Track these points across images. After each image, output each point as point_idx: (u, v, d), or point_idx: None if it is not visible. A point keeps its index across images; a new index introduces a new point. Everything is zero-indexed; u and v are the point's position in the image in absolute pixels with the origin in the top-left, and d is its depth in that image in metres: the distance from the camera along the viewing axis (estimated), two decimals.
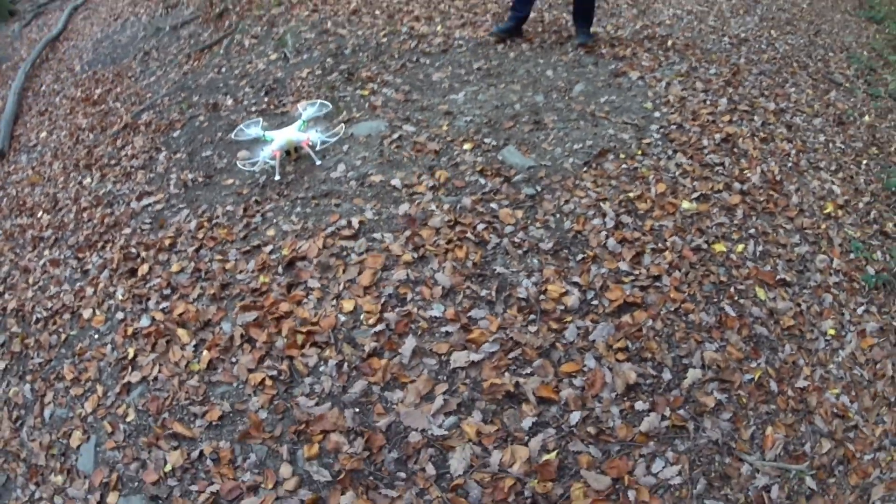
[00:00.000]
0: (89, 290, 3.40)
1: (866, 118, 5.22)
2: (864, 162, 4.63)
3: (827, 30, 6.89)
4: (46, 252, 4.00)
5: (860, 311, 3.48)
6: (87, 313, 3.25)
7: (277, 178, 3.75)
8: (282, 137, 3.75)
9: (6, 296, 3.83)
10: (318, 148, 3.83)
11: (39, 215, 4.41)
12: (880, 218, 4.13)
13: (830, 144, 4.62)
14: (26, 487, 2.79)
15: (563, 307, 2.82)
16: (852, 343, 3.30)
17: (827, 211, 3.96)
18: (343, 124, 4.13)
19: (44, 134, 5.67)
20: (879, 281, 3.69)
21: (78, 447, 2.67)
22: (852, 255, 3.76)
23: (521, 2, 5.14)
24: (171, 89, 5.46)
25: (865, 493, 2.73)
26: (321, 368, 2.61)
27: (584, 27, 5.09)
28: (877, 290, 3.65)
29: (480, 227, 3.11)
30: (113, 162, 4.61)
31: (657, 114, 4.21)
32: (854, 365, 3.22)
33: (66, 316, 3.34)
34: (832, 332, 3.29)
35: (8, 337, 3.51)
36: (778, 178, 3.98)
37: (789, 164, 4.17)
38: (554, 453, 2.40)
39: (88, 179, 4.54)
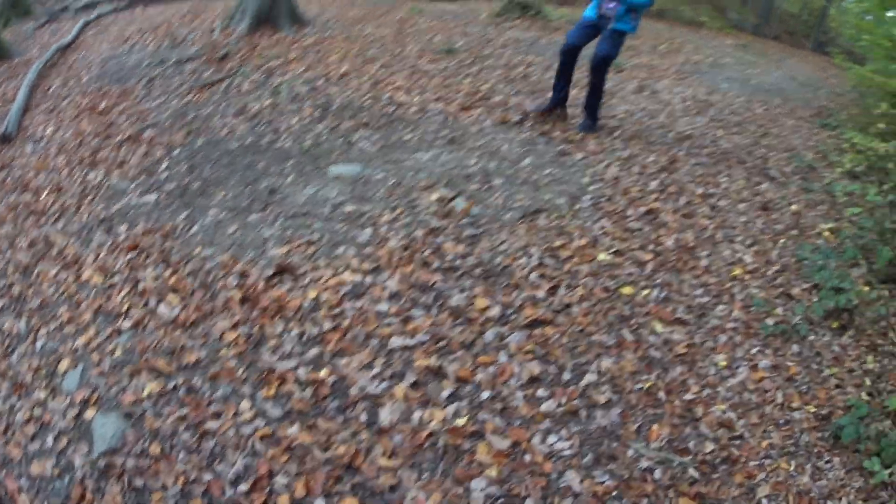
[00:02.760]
0: (90, 258, 4.46)
1: (793, 207, 6.36)
2: (783, 241, 5.72)
3: (775, 133, 8.18)
4: (49, 225, 5.07)
5: (754, 350, 4.45)
6: (87, 274, 4.28)
7: None
8: None
9: (7, 254, 4.84)
10: None
11: (43, 196, 5.55)
12: (787, 283, 5.17)
13: (750, 225, 5.74)
14: (8, 400, 3.64)
15: (485, 317, 3.89)
16: (743, 374, 4.25)
17: (734, 274, 5.02)
18: None
19: (49, 130, 6.97)
20: (777, 330, 4.67)
21: (65, 372, 3.61)
22: (752, 309, 4.77)
23: (558, 86, 6.62)
24: (172, 114, 6.82)
25: (751, 492, 3.55)
26: (285, 335, 3.68)
27: (585, 118, 6.66)
28: (773, 337, 4.62)
29: (427, 252, 4.29)
30: (116, 165, 5.89)
31: (592, 187, 5.39)
32: (743, 391, 4.14)
33: (66, 274, 4.34)
34: (723, 363, 4.26)
35: (8, 284, 4.52)
36: (691, 245, 5.08)
37: (705, 236, 5.28)
38: (465, 418, 3.36)
39: (93, 175, 5.78)
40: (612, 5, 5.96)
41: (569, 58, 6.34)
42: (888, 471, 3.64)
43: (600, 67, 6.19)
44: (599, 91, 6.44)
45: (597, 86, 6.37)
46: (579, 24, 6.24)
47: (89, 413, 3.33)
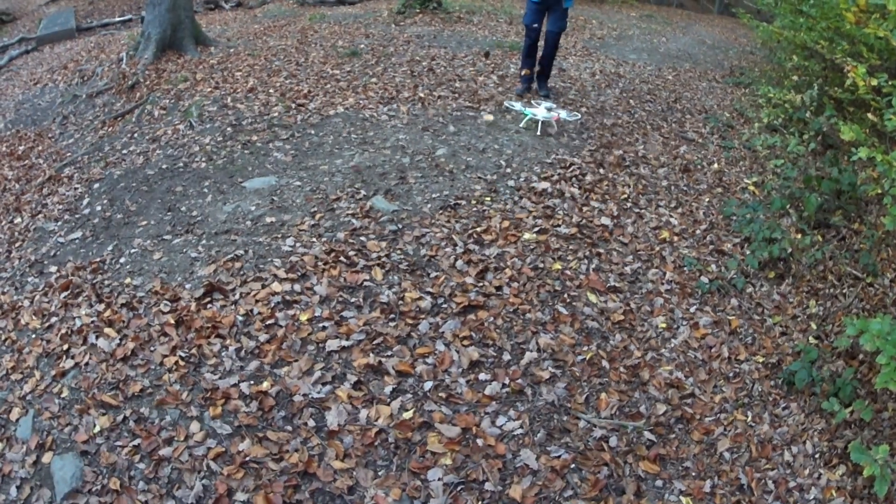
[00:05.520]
0: (26, 303, 4.59)
1: (715, 166, 6.78)
2: (707, 200, 6.10)
3: (688, 97, 8.66)
4: None
5: (692, 309, 4.78)
6: (24, 319, 4.39)
7: (539, 133, 6.56)
8: (537, 112, 6.60)
9: None
10: (565, 121, 6.78)
11: None
12: (717, 240, 5.53)
13: (673, 188, 6.11)
14: None
15: (417, 309, 4.10)
16: (685, 333, 4.56)
17: (662, 237, 5.35)
18: (578, 112, 7.10)
19: None
20: (713, 287, 5.01)
21: (17, 420, 3.67)
22: (685, 270, 5.10)
23: (528, 64, 7.83)
24: (89, 150, 7.18)
25: (711, 447, 3.85)
26: (223, 353, 3.82)
27: (543, 83, 7.91)
28: (711, 294, 4.96)
29: (351, 253, 4.50)
30: (41, 206, 6.16)
31: (508, 170, 5.65)
32: (687, 349, 4.45)
33: (5, 322, 4.45)
34: (663, 325, 4.55)
35: None
36: (616, 214, 5.39)
37: (628, 205, 5.60)
38: (412, 411, 3.56)
39: (19, 220, 6.06)
40: None
41: (535, 37, 7.60)
42: (848, 409, 3.94)
43: (557, 40, 7.60)
44: (553, 59, 7.87)
45: (553, 55, 7.76)
46: (531, 9, 7.48)
47: (46, 457, 3.43)
